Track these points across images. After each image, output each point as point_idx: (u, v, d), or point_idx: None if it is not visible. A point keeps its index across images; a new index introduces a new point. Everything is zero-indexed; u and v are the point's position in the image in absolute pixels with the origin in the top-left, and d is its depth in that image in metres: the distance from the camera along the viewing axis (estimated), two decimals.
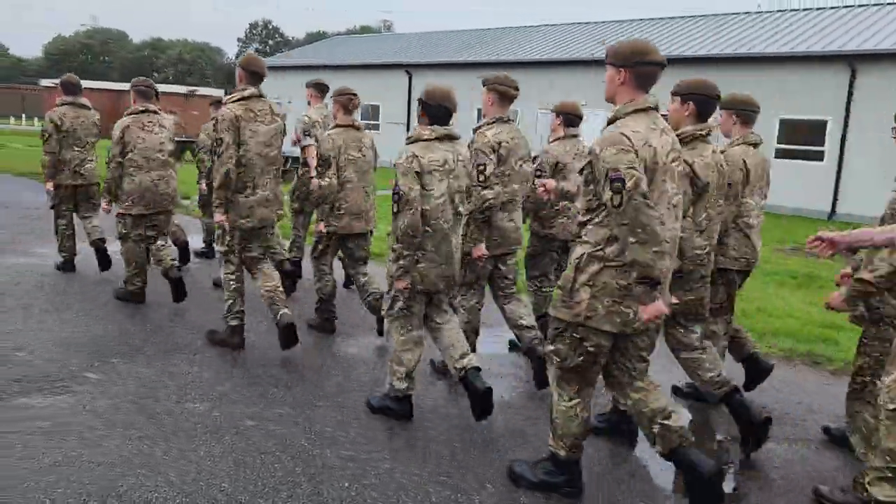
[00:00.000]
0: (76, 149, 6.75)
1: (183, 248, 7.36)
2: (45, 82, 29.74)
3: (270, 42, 73.37)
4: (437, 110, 3.91)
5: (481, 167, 4.28)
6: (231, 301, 4.98)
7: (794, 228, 13.29)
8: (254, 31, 75.01)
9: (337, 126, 5.35)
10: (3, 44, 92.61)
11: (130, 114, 5.91)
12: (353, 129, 5.33)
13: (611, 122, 3.06)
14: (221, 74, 59.33)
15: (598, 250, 2.99)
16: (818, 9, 21.01)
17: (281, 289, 5.01)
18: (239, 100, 4.80)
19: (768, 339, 5.89)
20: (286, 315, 4.81)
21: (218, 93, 26.22)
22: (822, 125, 16.83)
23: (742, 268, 4.26)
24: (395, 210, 3.74)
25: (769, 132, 16.57)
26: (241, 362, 4.74)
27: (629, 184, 2.80)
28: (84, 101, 6.96)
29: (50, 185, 6.75)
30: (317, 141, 6.16)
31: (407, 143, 3.90)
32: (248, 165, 4.81)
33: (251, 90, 4.85)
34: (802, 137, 17.09)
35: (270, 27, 75.21)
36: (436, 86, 3.99)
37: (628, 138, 2.89)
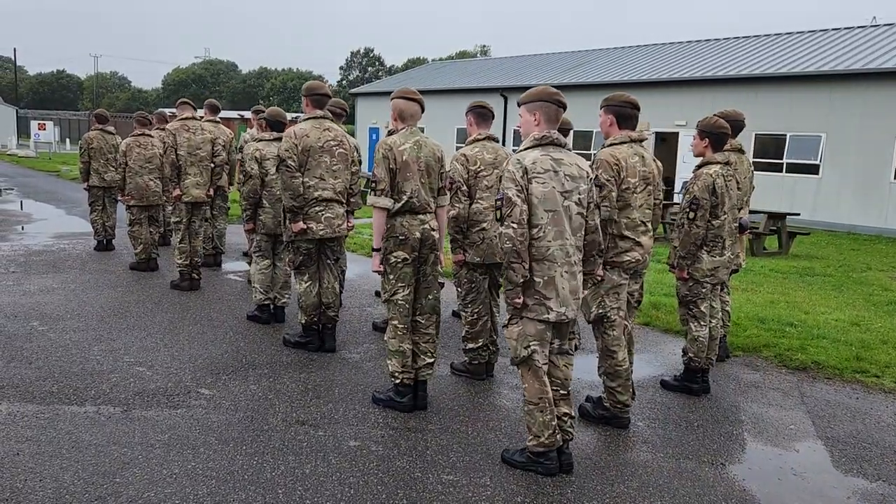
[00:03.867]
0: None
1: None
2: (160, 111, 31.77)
3: (370, 69, 75.51)
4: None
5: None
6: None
7: None
8: (355, 59, 77.48)
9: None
10: (125, 76, 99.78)
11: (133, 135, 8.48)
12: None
13: None
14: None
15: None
16: None
17: None
18: (180, 119, 7.42)
19: None
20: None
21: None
22: None
23: None
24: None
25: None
26: (344, 382, 4.85)
27: None
28: (110, 128, 9.37)
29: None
30: None
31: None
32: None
33: (187, 114, 7.50)
34: None
35: (371, 55, 77.46)
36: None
37: None
